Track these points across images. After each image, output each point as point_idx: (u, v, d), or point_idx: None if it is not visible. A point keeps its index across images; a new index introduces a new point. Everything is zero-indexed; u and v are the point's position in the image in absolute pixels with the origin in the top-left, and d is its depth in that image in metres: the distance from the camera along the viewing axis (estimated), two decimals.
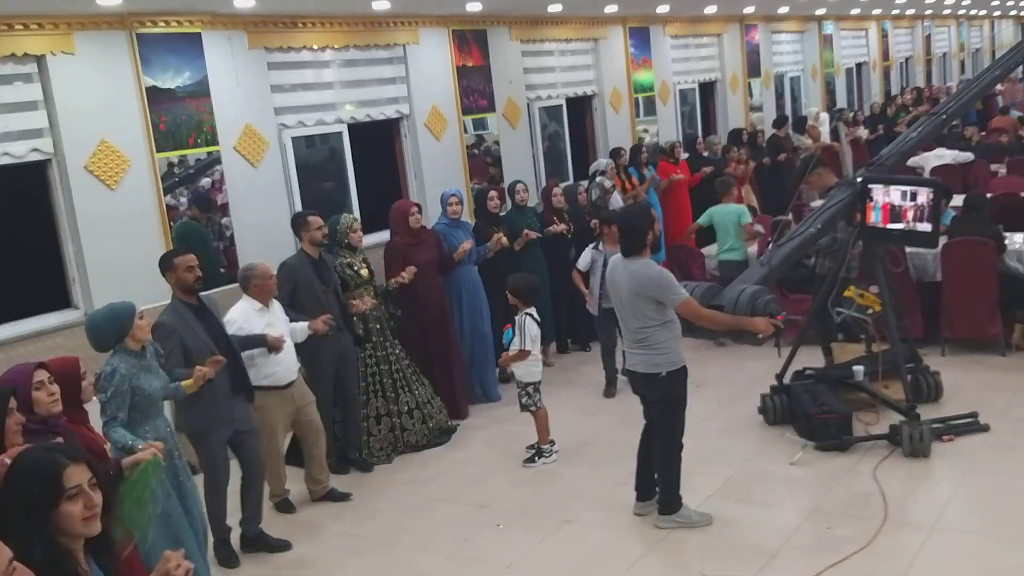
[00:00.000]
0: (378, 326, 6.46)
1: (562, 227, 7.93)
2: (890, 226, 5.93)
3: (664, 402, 4.99)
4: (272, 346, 5.34)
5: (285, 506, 5.79)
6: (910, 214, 5.86)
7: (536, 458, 6.17)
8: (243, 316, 5.39)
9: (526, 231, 7.66)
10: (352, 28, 8.23)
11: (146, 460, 3.62)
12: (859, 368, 6.28)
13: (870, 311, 5.92)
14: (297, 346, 5.64)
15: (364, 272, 6.41)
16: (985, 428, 5.84)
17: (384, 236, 7.37)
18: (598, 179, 8.89)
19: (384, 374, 6.44)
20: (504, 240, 7.35)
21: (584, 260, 7.29)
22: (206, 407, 4.90)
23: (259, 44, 7.44)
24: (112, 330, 4.33)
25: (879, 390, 6.10)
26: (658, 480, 5.15)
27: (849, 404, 6.16)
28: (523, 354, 6.09)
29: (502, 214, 7.88)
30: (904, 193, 5.87)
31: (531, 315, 6.13)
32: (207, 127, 6.94)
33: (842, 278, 6.12)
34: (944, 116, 7.01)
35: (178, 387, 4.63)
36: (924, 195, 5.80)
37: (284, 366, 5.48)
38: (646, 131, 12.34)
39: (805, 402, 6.03)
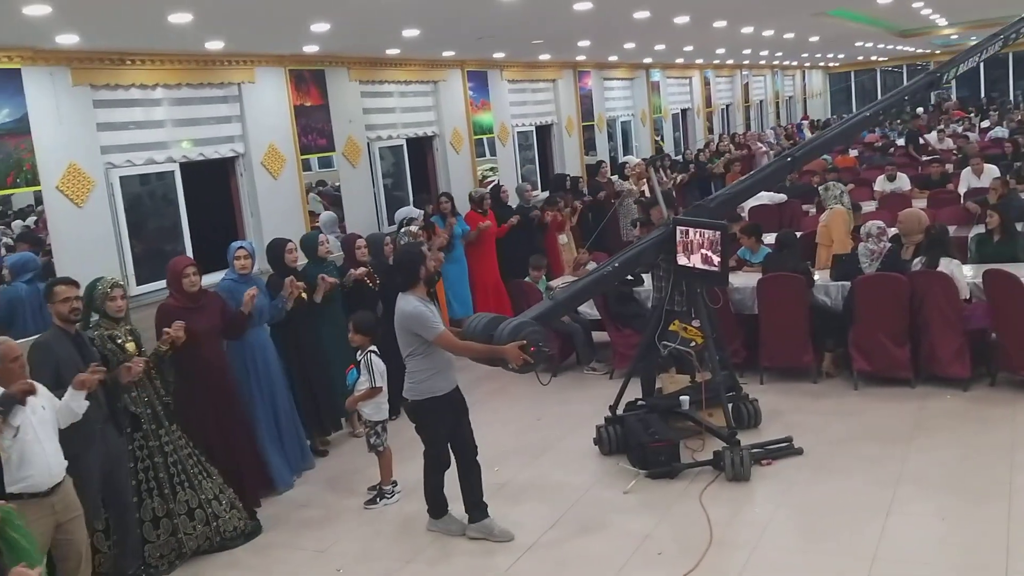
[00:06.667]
0: (148, 410, 5.45)
1: (362, 271, 7.36)
2: (688, 263, 6.27)
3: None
4: (19, 394, 4.32)
5: None
6: (697, 254, 6.18)
7: (378, 499, 6.15)
8: None
9: (321, 276, 6.97)
10: (185, 66, 8.06)
11: None
12: (685, 398, 6.63)
13: (693, 344, 6.28)
14: (60, 439, 4.57)
15: (130, 346, 5.38)
16: (799, 451, 6.26)
17: (216, 279, 6.81)
18: (406, 228, 8.89)
19: (159, 468, 5.45)
20: (300, 285, 6.68)
21: None
22: None
23: (84, 81, 7.18)
24: None
25: (704, 418, 6.45)
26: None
27: (678, 432, 6.47)
28: (374, 391, 6.08)
29: (299, 268, 7.05)
30: (697, 233, 6.21)
31: (375, 352, 6.15)
32: (27, 166, 6.62)
33: (667, 311, 6.46)
34: (790, 160, 7.15)
35: None
36: (707, 235, 6.11)
37: (44, 467, 4.42)
38: (492, 169, 12.62)
39: (638, 431, 6.29)
